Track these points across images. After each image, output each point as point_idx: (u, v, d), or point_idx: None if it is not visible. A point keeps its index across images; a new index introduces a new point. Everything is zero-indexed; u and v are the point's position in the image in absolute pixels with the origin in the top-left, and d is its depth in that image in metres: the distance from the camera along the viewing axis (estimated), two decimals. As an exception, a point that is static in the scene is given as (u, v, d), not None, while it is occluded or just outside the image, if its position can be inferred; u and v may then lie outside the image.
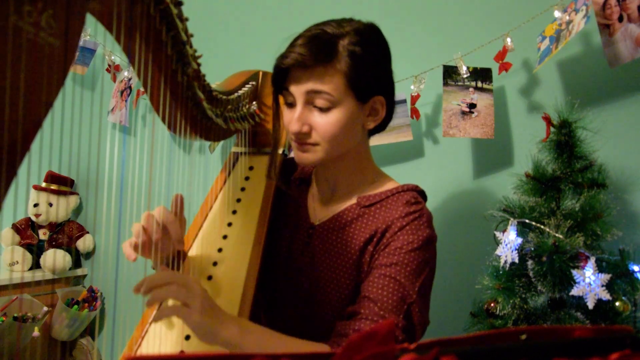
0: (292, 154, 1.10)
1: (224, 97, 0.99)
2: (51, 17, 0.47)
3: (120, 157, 2.11)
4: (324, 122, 0.92)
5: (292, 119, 0.94)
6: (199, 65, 0.84)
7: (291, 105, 0.95)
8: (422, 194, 1.02)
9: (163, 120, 0.80)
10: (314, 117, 0.93)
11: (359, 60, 0.90)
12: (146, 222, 0.88)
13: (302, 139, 0.94)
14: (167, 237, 0.89)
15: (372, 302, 0.87)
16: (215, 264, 0.98)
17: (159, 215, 0.88)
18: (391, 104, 1.00)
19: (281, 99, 1.01)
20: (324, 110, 0.92)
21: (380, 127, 1.02)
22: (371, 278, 0.91)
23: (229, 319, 0.80)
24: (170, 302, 0.81)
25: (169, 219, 0.88)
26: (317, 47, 0.89)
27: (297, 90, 0.93)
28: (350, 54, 0.90)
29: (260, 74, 1.17)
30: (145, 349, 0.88)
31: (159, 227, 0.87)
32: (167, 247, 0.91)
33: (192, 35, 0.80)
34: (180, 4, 0.73)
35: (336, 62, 0.90)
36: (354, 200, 1.01)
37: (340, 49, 0.90)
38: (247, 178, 1.10)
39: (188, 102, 0.86)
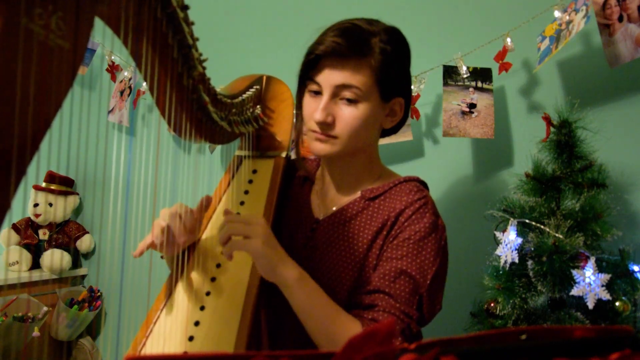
0: (293, 155, 1.10)
1: (229, 100, 0.99)
2: (61, 20, 0.47)
3: (121, 157, 2.11)
4: (349, 115, 0.92)
5: (316, 108, 0.93)
6: (204, 68, 0.84)
7: (316, 93, 0.95)
8: (423, 184, 1.04)
9: (168, 122, 0.80)
10: (339, 109, 0.93)
11: (389, 59, 0.92)
12: (172, 221, 0.95)
13: (324, 130, 0.94)
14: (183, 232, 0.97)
15: (387, 295, 0.89)
16: (218, 265, 0.98)
17: (180, 212, 0.95)
18: (408, 108, 1.03)
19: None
20: (350, 102, 0.92)
21: (394, 129, 1.04)
22: (382, 270, 0.91)
23: (292, 263, 0.88)
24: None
25: (188, 215, 0.96)
26: (353, 39, 0.90)
27: (327, 81, 0.92)
28: (382, 52, 0.92)
29: (264, 78, 1.18)
30: (150, 349, 0.89)
31: (182, 225, 0.95)
32: (182, 242, 0.98)
33: (197, 39, 0.80)
34: (187, 7, 0.74)
35: (370, 57, 0.91)
36: (358, 195, 1.02)
37: (373, 45, 0.92)
38: (250, 181, 1.11)
39: (193, 105, 0.86)
